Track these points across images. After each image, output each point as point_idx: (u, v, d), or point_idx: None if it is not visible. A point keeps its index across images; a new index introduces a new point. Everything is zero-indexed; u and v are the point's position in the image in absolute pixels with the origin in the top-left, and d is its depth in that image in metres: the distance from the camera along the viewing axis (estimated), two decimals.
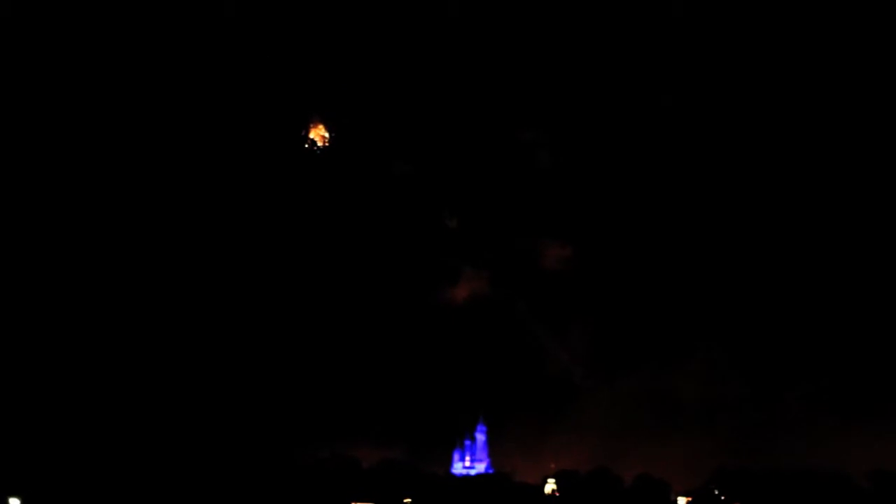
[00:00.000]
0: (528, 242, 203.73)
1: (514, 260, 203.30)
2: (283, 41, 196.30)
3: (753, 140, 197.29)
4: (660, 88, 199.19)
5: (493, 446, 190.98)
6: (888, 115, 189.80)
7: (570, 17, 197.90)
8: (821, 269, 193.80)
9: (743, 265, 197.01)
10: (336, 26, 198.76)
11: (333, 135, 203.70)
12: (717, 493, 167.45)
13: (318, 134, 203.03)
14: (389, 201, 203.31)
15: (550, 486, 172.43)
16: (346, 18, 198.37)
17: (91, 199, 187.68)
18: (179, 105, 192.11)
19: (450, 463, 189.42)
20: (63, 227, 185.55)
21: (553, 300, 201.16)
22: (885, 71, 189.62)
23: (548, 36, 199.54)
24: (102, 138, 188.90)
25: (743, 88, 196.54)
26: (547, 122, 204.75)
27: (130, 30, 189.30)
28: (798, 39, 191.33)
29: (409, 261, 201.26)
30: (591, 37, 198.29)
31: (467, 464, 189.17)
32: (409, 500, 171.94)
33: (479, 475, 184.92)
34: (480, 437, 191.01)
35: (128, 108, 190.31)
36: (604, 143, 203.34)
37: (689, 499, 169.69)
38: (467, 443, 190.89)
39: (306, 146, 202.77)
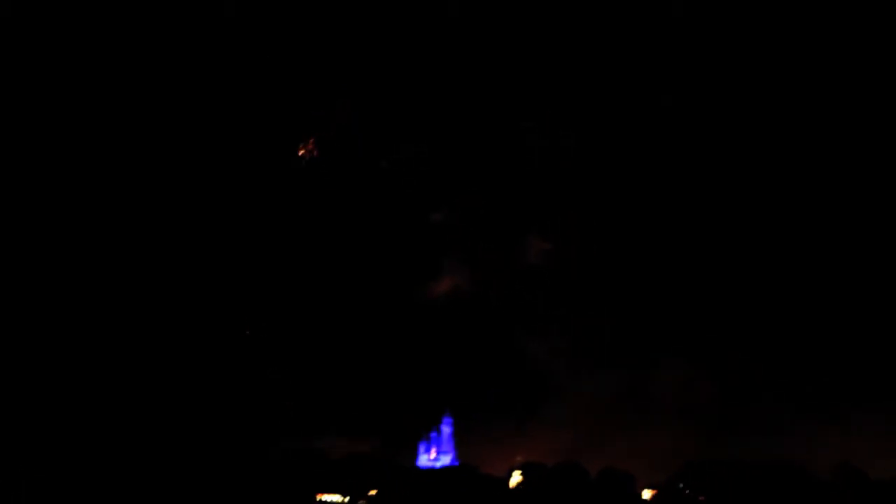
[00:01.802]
0: (509, 237, 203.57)
1: (493, 254, 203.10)
2: (280, 33, 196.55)
3: (736, 140, 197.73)
4: (657, 86, 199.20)
5: (459, 439, 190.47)
6: (888, 115, 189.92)
7: (566, 14, 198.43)
8: (797, 273, 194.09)
9: (720, 267, 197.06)
10: (335, 22, 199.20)
11: (321, 145, 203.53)
12: (681, 486, 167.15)
13: (309, 149, 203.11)
14: (371, 196, 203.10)
15: (516, 479, 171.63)
16: (345, 13, 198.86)
17: (90, 199, 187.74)
18: (177, 100, 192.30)
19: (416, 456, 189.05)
20: (63, 227, 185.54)
21: (530, 295, 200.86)
22: (885, 71, 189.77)
23: (542, 32, 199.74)
24: (103, 138, 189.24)
25: (741, 86, 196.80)
26: (533, 119, 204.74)
27: (132, 30, 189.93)
28: (798, 39, 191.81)
29: (387, 255, 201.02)
30: (587, 34, 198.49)
31: (433, 456, 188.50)
32: (374, 491, 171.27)
33: (444, 467, 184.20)
34: (446, 429, 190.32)
35: (129, 108, 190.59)
36: (587, 140, 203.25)
37: (654, 492, 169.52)
38: (433, 435, 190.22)
39: (299, 157, 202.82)
